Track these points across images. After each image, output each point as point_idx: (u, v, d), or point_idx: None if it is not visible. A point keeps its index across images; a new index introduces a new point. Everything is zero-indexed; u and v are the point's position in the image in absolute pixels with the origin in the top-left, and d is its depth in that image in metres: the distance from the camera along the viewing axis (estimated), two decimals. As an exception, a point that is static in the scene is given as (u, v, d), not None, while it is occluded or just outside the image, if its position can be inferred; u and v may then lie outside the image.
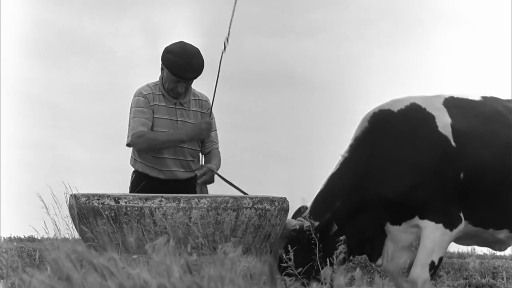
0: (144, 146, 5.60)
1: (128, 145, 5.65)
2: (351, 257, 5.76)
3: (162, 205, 4.69)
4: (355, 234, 5.52)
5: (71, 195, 4.94)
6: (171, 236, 4.48)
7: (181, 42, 5.65)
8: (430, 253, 5.48)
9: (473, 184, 5.54)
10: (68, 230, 4.97)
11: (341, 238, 5.33)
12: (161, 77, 5.67)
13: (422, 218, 5.49)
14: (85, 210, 4.81)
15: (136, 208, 4.70)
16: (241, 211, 4.77)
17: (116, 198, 4.75)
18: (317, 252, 5.30)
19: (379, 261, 5.68)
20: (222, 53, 5.52)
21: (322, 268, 5.21)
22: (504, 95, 6.05)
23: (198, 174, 5.60)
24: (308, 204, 5.73)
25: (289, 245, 5.29)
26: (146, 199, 4.72)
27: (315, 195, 5.76)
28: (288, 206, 5.14)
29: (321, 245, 5.34)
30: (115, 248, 4.64)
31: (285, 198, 5.11)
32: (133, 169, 5.76)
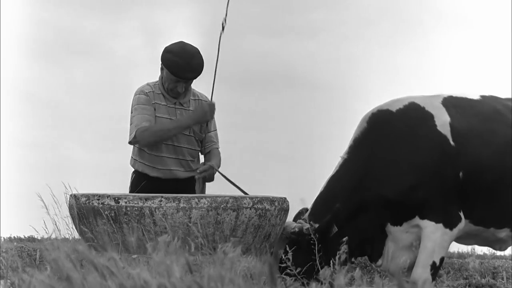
0: (151, 139, 5.53)
1: (133, 140, 5.56)
2: (352, 259, 5.76)
3: (162, 205, 4.69)
4: (355, 235, 5.51)
5: (71, 195, 4.94)
6: (171, 236, 4.48)
7: (181, 42, 5.65)
8: (431, 253, 5.48)
9: (472, 183, 5.54)
10: (68, 230, 4.97)
11: (344, 239, 5.32)
12: (161, 77, 5.67)
13: (422, 218, 5.49)
14: (85, 210, 4.81)
15: (136, 208, 4.70)
16: (241, 211, 4.77)
17: (116, 198, 4.75)
18: (316, 253, 5.30)
19: (380, 262, 5.67)
20: (221, 33, 5.51)
21: (321, 269, 5.21)
22: (504, 94, 6.05)
23: (199, 170, 5.60)
24: (309, 206, 5.73)
25: (289, 246, 5.29)
26: (146, 199, 4.72)
27: (315, 197, 5.76)
28: (288, 206, 5.14)
29: (321, 246, 5.33)
30: (115, 248, 4.64)
31: (285, 198, 5.11)
32: (133, 169, 5.76)
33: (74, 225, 4.95)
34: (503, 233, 5.73)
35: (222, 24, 5.49)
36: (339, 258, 5.06)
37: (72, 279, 2.94)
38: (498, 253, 11.92)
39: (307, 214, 5.64)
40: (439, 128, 5.60)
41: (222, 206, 4.72)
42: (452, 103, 5.75)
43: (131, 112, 5.64)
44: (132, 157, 5.75)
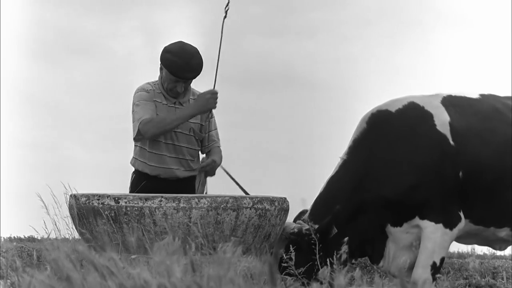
0: (154, 131, 5.50)
1: (138, 134, 5.53)
2: (353, 260, 5.75)
3: (162, 205, 4.68)
4: (355, 236, 5.51)
5: (71, 195, 4.94)
6: (171, 236, 4.48)
7: (180, 42, 5.65)
8: (431, 254, 5.48)
9: (472, 183, 5.54)
10: (68, 230, 4.97)
11: (344, 240, 5.32)
12: (160, 77, 5.67)
13: (422, 218, 5.49)
14: (85, 210, 4.81)
15: (136, 208, 4.70)
16: (241, 211, 4.76)
17: (116, 198, 4.75)
18: (317, 254, 5.29)
19: (381, 263, 5.67)
20: (224, 18, 5.48)
21: (321, 269, 5.21)
22: (503, 94, 6.04)
23: (201, 164, 5.60)
24: (309, 206, 5.72)
25: (288, 247, 5.28)
26: (146, 199, 4.72)
27: (315, 197, 5.75)
28: (288, 206, 5.14)
29: (321, 246, 5.33)
30: (115, 248, 4.64)
31: (285, 198, 5.11)
32: (133, 170, 5.76)
33: (74, 225, 4.95)
34: (503, 232, 5.73)
35: (226, 10, 5.47)
36: (339, 258, 5.06)
37: (72, 279, 2.94)
38: (498, 253, 11.92)
39: (306, 214, 5.63)
40: (438, 127, 5.59)
41: (222, 206, 4.72)
42: (451, 103, 5.74)
43: (133, 110, 5.62)
44: (133, 156, 5.75)
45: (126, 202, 4.73)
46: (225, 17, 5.48)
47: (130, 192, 5.67)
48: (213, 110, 5.75)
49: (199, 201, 4.70)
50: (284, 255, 5.13)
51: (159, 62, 5.64)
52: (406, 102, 5.72)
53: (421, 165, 5.51)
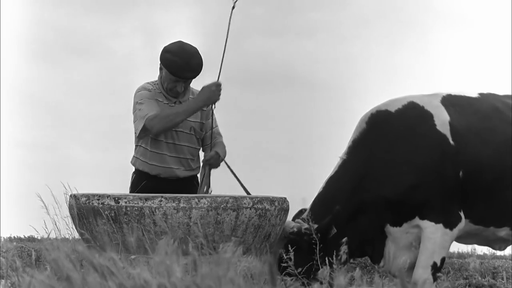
0: (161, 125, 5.47)
1: (142, 131, 5.50)
2: (351, 260, 5.75)
3: (162, 205, 4.68)
4: (355, 236, 5.50)
5: (71, 195, 4.94)
6: (171, 236, 4.48)
7: (180, 42, 5.65)
8: (432, 254, 5.47)
9: (472, 182, 5.53)
10: (68, 230, 4.97)
11: (343, 240, 5.31)
12: (160, 77, 5.67)
13: (422, 218, 5.48)
14: (85, 210, 4.81)
15: (136, 208, 4.70)
16: (241, 211, 4.76)
17: (116, 198, 4.75)
18: (317, 253, 5.29)
19: (382, 263, 5.66)
20: (232, 8, 5.43)
21: (321, 268, 5.21)
22: (502, 93, 6.04)
23: (205, 157, 5.59)
24: (308, 206, 5.72)
25: (288, 247, 5.28)
26: (146, 199, 4.71)
27: (314, 197, 5.75)
28: (288, 206, 5.14)
29: (321, 246, 5.33)
30: (115, 248, 4.64)
31: (285, 198, 5.10)
32: (134, 170, 5.77)
33: (74, 225, 4.95)
34: (503, 232, 5.73)
35: (234, 1, 5.43)
36: (339, 258, 5.06)
37: (72, 279, 2.94)
38: (498, 253, 11.92)
39: (305, 213, 5.63)
40: (438, 127, 5.59)
41: (222, 206, 4.72)
42: (451, 102, 5.74)
43: (135, 109, 5.60)
44: (134, 155, 5.75)
45: (126, 202, 4.73)
46: (233, 7, 5.43)
47: (131, 192, 5.67)
48: (214, 111, 5.76)
49: (199, 201, 4.70)
50: (284, 255, 5.12)
51: (159, 62, 5.64)
52: (406, 102, 5.71)
53: (421, 165, 5.51)
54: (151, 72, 5.83)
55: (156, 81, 5.71)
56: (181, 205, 4.69)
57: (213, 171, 5.67)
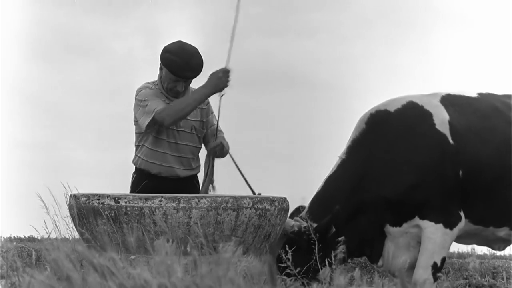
0: (171, 117, 5.41)
1: (149, 126, 5.47)
2: (349, 260, 5.75)
3: (162, 205, 4.68)
4: (354, 236, 5.51)
5: (71, 195, 4.94)
6: (170, 236, 4.48)
7: (180, 42, 5.65)
8: (432, 254, 5.47)
9: (472, 182, 5.53)
10: (68, 230, 4.97)
11: (340, 239, 5.32)
12: (160, 77, 5.67)
13: (422, 218, 5.49)
14: (85, 210, 4.81)
15: (136, 208, 4.70)
16: (241, 211, 4.76)
17: (116, 198, 4.75)
18: (316, 253, 5.29)
19: (380, 262, 5.66)
20: (238, 4, 5.35)
21: (321, 269, 5.21)
22: (502, 93, 6.04)
23: (211, 145, 5.57)
24: (307, 204, 5.72)
25: (287, 246, 5.28)
26: (146, 199, 4.72)
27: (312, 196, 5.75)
28: (288, 206, 5.14)
29: (320, 245, 5.33)
30: (115, 248, 4.64)
31: (285, 198, 5.10)
32: (134, 170, 5.77)
33: (74, 225, 4.96)
34: (503, 232, 5.73)
35: None
36: (336, 257, 5.06)
37: (72, 279, 2.94)
38: (498, 253, 11.92)
39: (304, 212, 5.63)
40: (438, 126, 5.59)
41: (222, 206, 4.72)
42: (450, 101, 5.74)
43: (138, 107, 5.56)
44: (135, 154, 5.75)
45: (126, 202, 4.73)
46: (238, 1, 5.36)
47: (131, 192, 5.67)
48: (212, 107, 5.76)
49: (199, 201, 4.70)
50: (283, 255, 5.12)
51: (159, 62, 5.64)
52: (405, 102, 5.71)
53: (421, 164, 5.51)
54: (151, 72, 5.83)
55: (156, 81, 5.71)
56: (181, 205, 4.69)
57: (215, 170, 5.66)
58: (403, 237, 5.57)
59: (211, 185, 5.60)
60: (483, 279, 8.63)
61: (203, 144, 5.79)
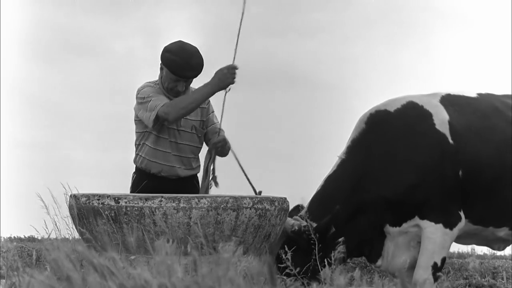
0: (176, 112, 5.38)
1: (155, 122, 5.44)
2: (348, 260, 5.75)
3: (162, 205, 4.69)
4: (354, 236, 5.51)
5: (71, 195, 4.94)
6: (170, 236, 4.48)
7: (180, 41, 5.65)
8: (432, 254, 5.47)
9: (472, 182, 5.53)
10: (68, 230, 4.97)
11: (340, 240, 5.32)
12: (160, 77, 5.68)
13: (422, 218, 5.49)
14: (85, 210, 4.81)
15: (136, 208, 4.70)
16: (241, 211, 4.76)
17: (116, 198, 4.75)
18: (316, 253, 5.29)
19: (379, 262, 5.67)
20: (244, 2, 5.34)
21: (320, 268, 5.21)
22: (502, 93, 6.04)
23: (214, 141, 5.55)
24: (306, 203, 5.72)
25: (287, 245, 5.28)
26: (146, 199, 4.72)
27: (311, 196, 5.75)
28: (288, 206, 5.14)
29: (320, 245, 5.33)
30: (115, 248, 4.64)
31: (285, 198, 5.11)
32: (134, 170, 5.77)
33: (74, 225, 4.96)
34: (502, 232, 5.73)
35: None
36: (336, 257, 5.06)
37: (72, 279, 2.94)
38: (498, 253, 11.93)
39: (303, 211, 5.63)
40: (437, 126, 5.59)
41: (222, 206, 4.72)
42: (450, 101, 5.74)
43: (140, 106, 5.55)
44: (137, 153, 5.75)
45: (126, 202, 4.73)
46: (244, 3, 5.33)
47: (132, 192, 5.67)
48: (212, 106, 5.76)
49: (199, 201, 4.70)
50: (283, 255, 5.12)
51: (159, 62, 5.64)
52: (405, 102, 5.71)
53: (421, 164, 5.51)
54: (152, 72, 5.84)
55: (156, 81, 5.72)
56: (181, 205, 4.69)
57: (216, 169, 5.65)
58: (403, 237, 5.57)
59: (212, 181, 5.58)
60: (483, 279, 8.64)
61: (203, 144, 5.80)
